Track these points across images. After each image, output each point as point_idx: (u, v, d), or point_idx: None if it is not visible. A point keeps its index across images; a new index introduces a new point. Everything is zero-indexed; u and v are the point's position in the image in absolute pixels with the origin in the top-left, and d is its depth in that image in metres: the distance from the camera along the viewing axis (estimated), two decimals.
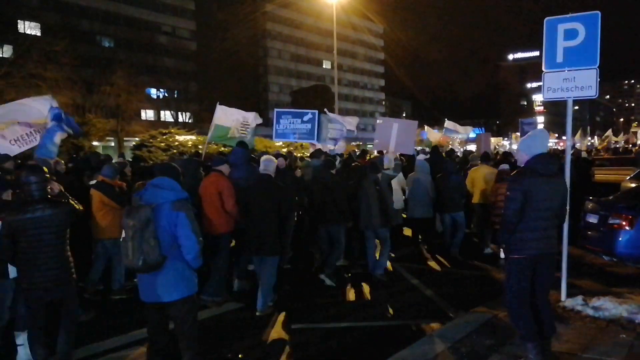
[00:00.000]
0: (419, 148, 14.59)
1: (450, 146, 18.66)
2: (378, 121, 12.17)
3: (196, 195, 6.69)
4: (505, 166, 9.12)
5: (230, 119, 10.81)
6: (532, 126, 24.79)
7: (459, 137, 19.41)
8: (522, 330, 4.47)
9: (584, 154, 14.79)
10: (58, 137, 8.27)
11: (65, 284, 4.67)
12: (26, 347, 4.92)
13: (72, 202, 4.83)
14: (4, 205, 4.90)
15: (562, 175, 4.57)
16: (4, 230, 4.48)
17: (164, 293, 4.12)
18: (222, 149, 16.43)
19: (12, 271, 4.90)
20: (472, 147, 26.43)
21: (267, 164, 6.54)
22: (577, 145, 25.64)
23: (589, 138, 37.09)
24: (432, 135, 18.60)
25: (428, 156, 11.47)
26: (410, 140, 11.84)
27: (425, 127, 19.67)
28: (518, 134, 24.72)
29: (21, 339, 5.02)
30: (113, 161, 8.89)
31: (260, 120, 11.44)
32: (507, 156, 13.13)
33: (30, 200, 4.50)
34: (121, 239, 4.02)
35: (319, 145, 11.23)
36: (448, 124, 18.60)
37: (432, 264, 9.00)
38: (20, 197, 4.84)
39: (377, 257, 8.10)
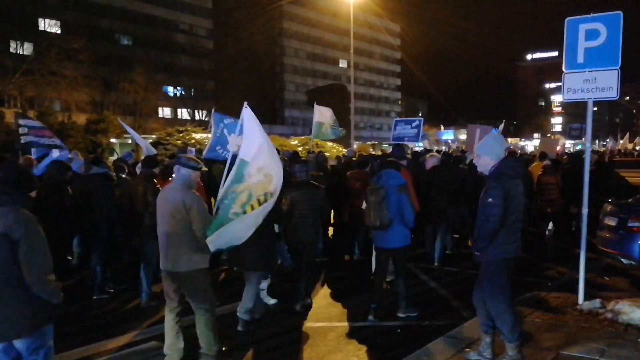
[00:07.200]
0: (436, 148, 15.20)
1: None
2: (469, 126, 14.63)
3: None
4: (548, 162, 11.10)
5: (326, 115, 13.55)
6: (577, 131, 24.56)
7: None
8: (506, 331, 4.49)
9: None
10: (232, 140, 9.00)
11: (314, 242, 6.87)
12: (264, 292, 6.66)
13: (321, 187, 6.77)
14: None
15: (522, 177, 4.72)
16: (288, 202, 6.38)
17: (391, 243, 6.13)
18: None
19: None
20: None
21: (433, 159, 9.39)
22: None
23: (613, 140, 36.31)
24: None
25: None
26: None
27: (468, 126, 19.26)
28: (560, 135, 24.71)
29: (264, 284, 6.66)
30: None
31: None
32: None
33: (301, 182, 6.50)
34: (364, 208, 6.11)
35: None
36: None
37: (448, 263, 8.96)
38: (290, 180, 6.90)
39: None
